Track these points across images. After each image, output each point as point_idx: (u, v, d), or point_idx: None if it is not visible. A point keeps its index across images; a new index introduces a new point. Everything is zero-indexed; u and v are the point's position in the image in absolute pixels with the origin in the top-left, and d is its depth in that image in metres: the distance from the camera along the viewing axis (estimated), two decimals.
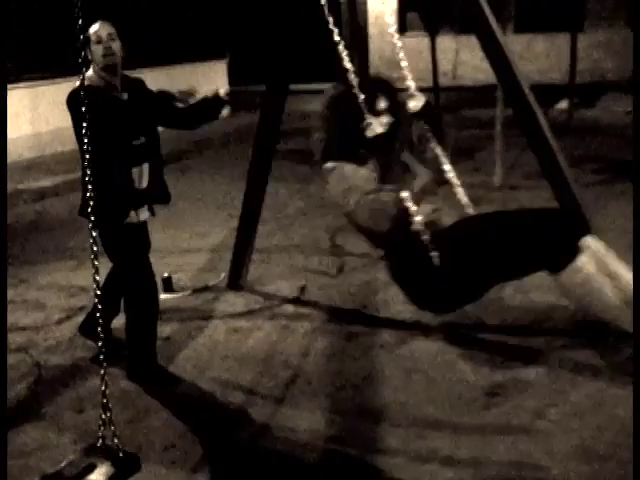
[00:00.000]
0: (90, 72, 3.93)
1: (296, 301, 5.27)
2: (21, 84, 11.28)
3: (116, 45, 3.96)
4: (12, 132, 11.10)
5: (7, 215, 7.96)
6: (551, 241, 3.61)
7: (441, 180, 3.85)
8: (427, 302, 3.90)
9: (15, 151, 11.11)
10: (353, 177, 3.66)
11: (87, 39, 3.90)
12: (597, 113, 13.40)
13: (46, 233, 7.39)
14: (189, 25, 14.42)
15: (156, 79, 13.44)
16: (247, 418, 3.79)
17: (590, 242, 3.62)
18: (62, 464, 2.60)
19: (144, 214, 4.14)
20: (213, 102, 4.31)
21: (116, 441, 2.66)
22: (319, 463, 3.43)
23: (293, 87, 5.31)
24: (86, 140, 2.94)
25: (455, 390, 3.93)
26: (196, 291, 5.53)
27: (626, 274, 3.56)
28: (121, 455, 2.63)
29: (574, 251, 3.57)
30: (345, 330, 4.74)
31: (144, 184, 4.08)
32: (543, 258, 3.66)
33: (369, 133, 3.57)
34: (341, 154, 3.72)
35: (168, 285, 5.50)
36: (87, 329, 4.41)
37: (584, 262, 3.56)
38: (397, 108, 3.76)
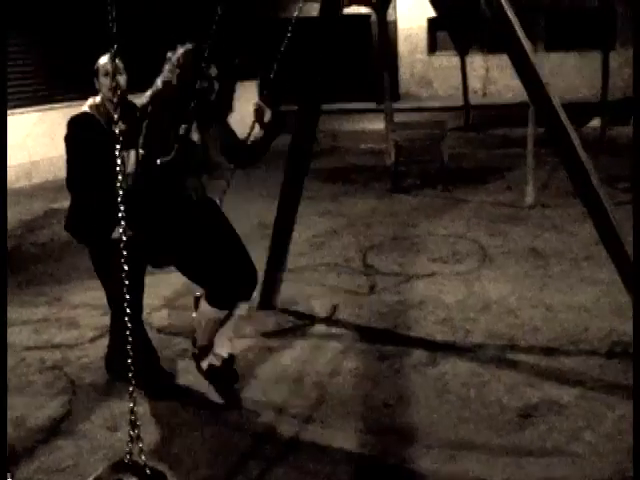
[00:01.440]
0: (98, 99, 4.13)
1: (327, 321, 5.27)
2: (56, 105, 11.46)
3: (123, 79, 4.11)
4: (48, 152, 11.30)
5: (43, 234, 8.09)
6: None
7: None
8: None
9: (50, 171, 11.27)
10: None
11: (96, 70, 4.11)
12: (630, 131, 13.27)
13: (80, 252, 7.39)
14: (221, 46, 14.57)
15: None
16: (278, 437, 3.79)
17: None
18: (89, 479, 2.62)
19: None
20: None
21: (143, 457, 2.67)
22: None
23: (325, 107, 5.34)
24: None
25: (488, 411, 3.90)
26: None
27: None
28: (148, 472, 2.63)
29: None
30: (376, 350, 4.73)
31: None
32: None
33: None
34: None
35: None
36: (111, 364, 4.46)
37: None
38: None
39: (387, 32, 11.32)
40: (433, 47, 20.44)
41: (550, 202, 8.17)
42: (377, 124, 11.72)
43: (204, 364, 4.14)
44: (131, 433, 2.74)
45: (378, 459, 3.57)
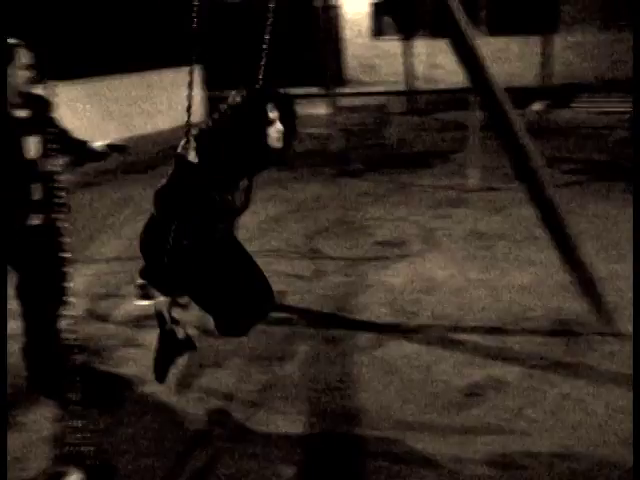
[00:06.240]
0: None
1: (274, 306, 5.26)
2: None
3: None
4: None
5: None
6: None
7: None
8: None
9: None
10: None
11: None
12: (571, 114, 13.53)
13: None
14: (165, 31, 14.38)
15: (134, 85, 13.48)
16: (226, 422, 3.78)
17: None
18: (35, 474, 2.59)
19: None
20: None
21: (90, 449, 2.65)
22: (298, 466, 3.43)
23: None
24: None
25: (433, 391, 3.95)
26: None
27: None
28: (93, 463, 2.62)
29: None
30: (323, 334, 4.75)
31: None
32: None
33: None
34: None
35: (144, 292, 5.47)
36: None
37: None
38: None
39: (331, 16, 11.29)
40: (378, 32, 20.49)
41: (495, 185, 8.27)
42: (322, 109, 11.72)
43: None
44: (75, 425, 2.72)
45: (327, 442, 3.59)
